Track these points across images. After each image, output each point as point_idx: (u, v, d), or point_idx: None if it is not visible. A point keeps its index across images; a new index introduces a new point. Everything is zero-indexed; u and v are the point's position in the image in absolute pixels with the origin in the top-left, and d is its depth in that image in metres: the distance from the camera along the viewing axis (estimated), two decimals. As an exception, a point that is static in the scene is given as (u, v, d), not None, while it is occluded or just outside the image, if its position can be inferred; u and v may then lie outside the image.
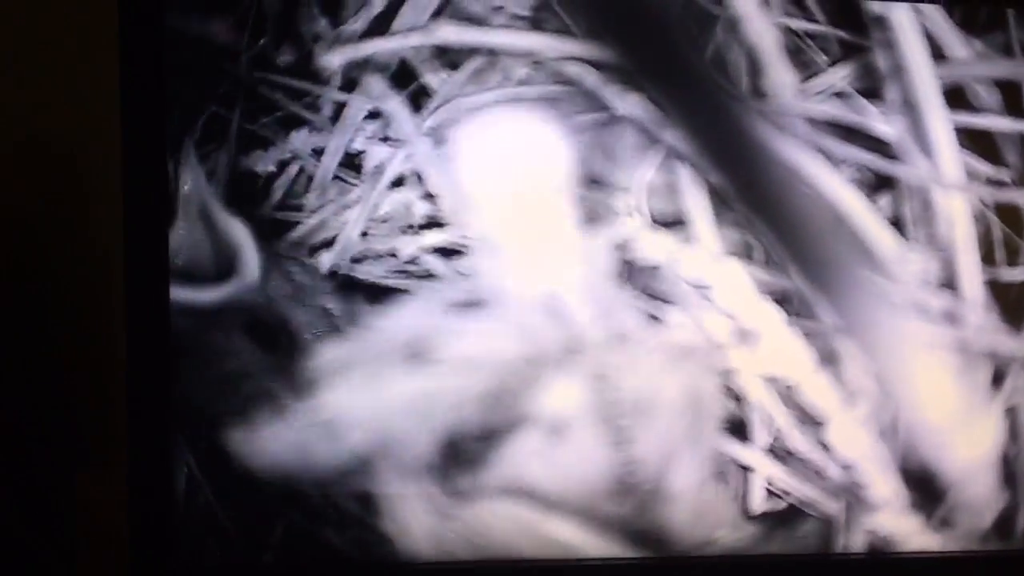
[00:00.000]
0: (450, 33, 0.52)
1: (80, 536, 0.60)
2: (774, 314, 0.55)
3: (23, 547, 0.59)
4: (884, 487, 0.57)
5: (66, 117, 0.59)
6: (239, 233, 0.52)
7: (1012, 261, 0.56)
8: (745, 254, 0.54)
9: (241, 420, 0.53)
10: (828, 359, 0.56)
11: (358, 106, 0.52)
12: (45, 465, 0.60)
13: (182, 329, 0.53)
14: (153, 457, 0.53)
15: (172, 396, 0.53)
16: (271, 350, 0.53)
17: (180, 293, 0.52)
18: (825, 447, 0.56)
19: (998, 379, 0.57)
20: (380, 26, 0.52)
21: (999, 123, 0.56)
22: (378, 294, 0.53)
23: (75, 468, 0.61)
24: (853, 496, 0.57)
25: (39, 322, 0.60)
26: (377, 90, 0.52)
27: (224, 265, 0.53)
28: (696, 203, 0.54)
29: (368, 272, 0.53)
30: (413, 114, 0.52)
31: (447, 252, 0.53)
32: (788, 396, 0.56)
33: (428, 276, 0.53)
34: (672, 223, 0.54)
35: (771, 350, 0.55)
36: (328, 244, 0.53)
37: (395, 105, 0.52)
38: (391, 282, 0.53)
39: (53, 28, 0.59)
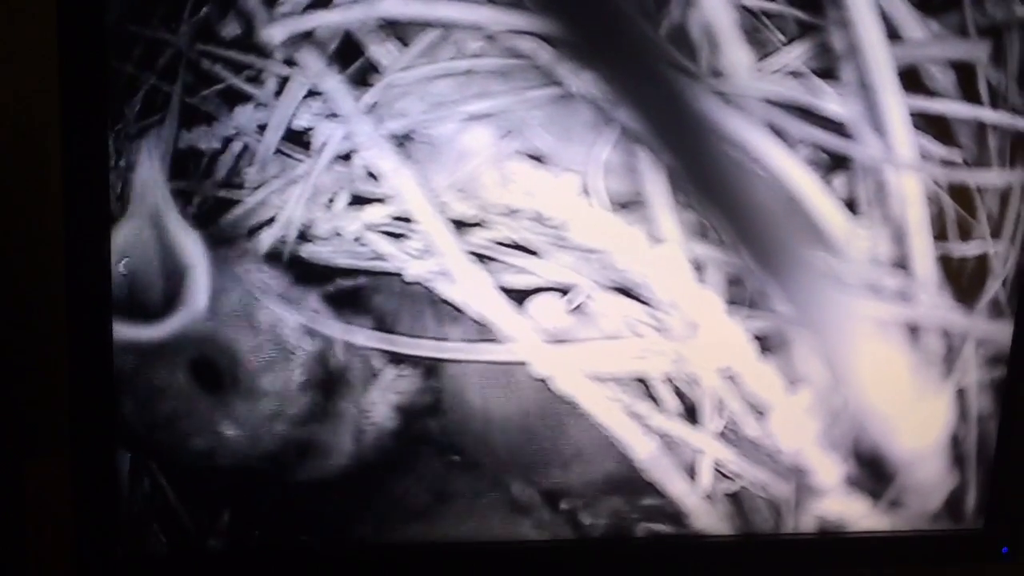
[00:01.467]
0: (394, 5, 0.51)
1: (28, 523, 0.60)
2: (717, 300, 0.55)
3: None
4: (833, 470, 0.58)
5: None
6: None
7: (965, 241, 0.57)
8: (700, 235, 0.54)
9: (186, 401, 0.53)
10: (777, 342, 0.56)
11: (300, 82, 0.51)
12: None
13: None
14: (97, 443, 0.52)
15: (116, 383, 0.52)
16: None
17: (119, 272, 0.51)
18: (775, 431, 0.57)
19: (949, 359, 0.58)
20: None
21: (954, 105, 0.56)
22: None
23: (22, 455, 0.60)
24: (802, 479, 0.57)
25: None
26: (318, 66, 0.51)
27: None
28: (652, 184, 0.53)
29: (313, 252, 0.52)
30: (355, 90, 0.51)
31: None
32: (736, 382, 0.56)
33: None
34: (627, 204, 0.54)
35: (717, 336, 0.55)
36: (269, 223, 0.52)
37: (336, 82, 0.51)
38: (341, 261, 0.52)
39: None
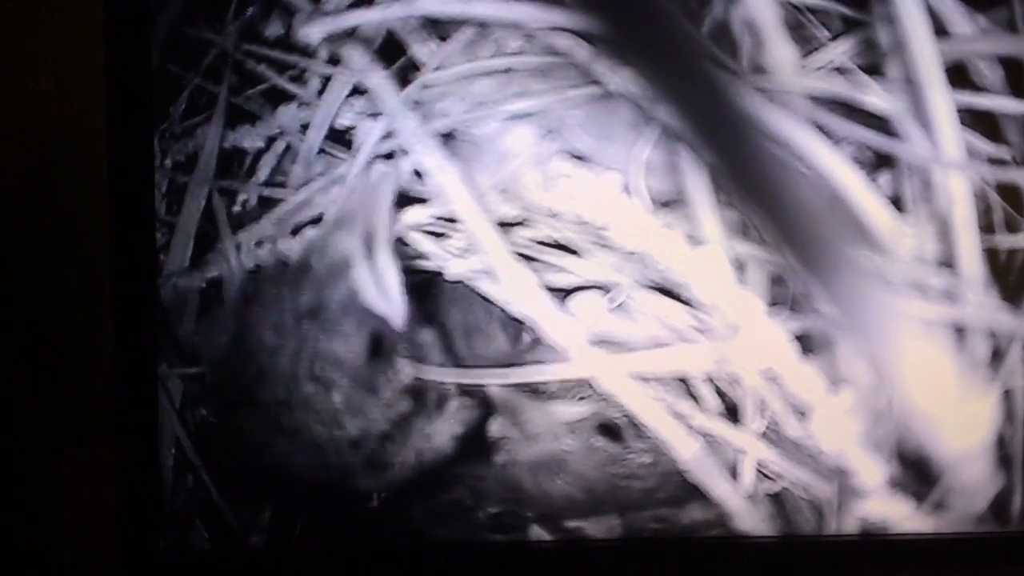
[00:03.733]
0: (433, 4, 0.51)
1: (67, 518, 0.60)
2: (759, 301, 0.54)
3: (10, 530, 0.58)
4: (877, 471, 0.57)
5: (49, 91, 0.58)
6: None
7: (1013, 239, 0.56)
8: (743, 234, 0.54)
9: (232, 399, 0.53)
10: (819, 343, 0.55)
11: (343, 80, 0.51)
12: (32, 447, 0.60)
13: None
14: (140, 438, 0.53)
15: (159, 376, 0.52)
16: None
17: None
18: (816, 431, 0.56)
19: (996, 359, 0.57)
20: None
21: (1002, 101, 0.55)
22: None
23: (63, 449, 0.60)
24: (844, 480, 0.57)
25: (24, 304, 0.60)
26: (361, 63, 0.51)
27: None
28: (694, 183, 0.53)
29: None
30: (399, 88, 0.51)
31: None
32: (777, 382, 0.55)
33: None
34: (669, 203, 0.53)
35: (758, 336, 0.55)
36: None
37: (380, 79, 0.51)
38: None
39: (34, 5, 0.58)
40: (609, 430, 0.55)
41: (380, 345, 0.52)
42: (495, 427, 0.54)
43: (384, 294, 0.52)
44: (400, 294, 0.52)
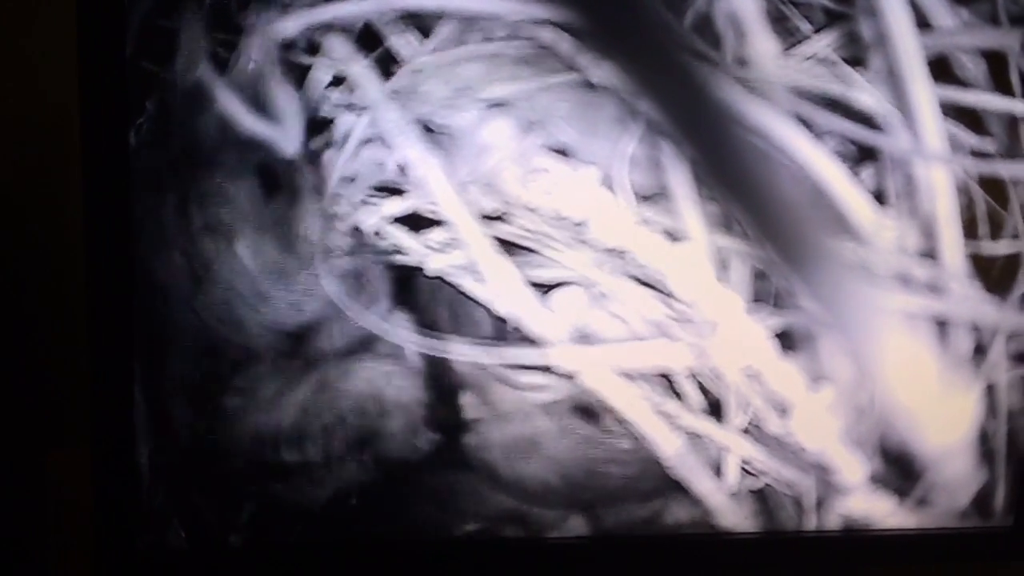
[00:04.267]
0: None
1: (45, 518, 0.60)
2: (739, 298, 0.54)
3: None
4: (859, 467, 0.57)
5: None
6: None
7: (996, 232, 0.56)
8: (725, 228, 0.53)
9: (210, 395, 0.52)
10: (801, 338, 0.55)
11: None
12: (10, 447, 0.60)
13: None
14: (117, 435, 0.52)
15: (137, 371, 0.52)
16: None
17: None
18: (798, 428, 0.56)
19: (979, 353, 0.57)
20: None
21: (985, 95, 0.55)
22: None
23: (40, 449, 0.60)
24: (827, 476, 0.57)
25: (2, 301, 0.59)
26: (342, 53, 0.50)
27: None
28: (677, 177, 0.53)
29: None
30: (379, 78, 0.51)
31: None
32: (758, 379, 0.55)
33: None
34: (651, 197, 0.53)
35: (738, 333, 0.54)
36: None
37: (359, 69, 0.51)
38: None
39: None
40: (586, 411, 0.54)
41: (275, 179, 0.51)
42: (466, 403, 0.54)
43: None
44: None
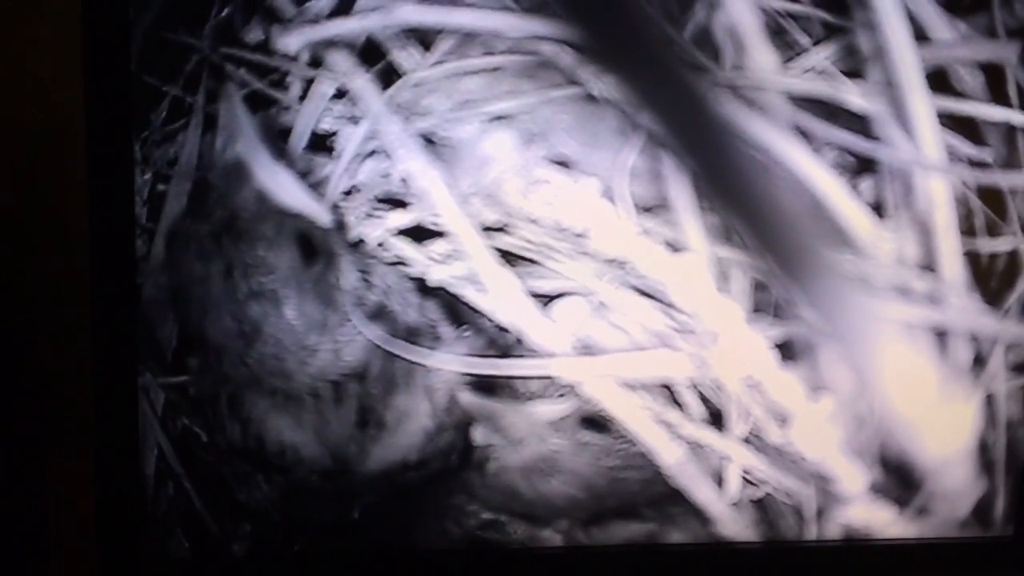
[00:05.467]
0: (411, 13, 0.51)
1: (50, 527, 0.60)
2: (739, 309, 0.54)
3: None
4: (859, 477, 0.57)
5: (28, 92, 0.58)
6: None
7: (994, 243, 0.56)
8: (724, 239, 0.54)
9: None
10: (800, 349, 0.55)
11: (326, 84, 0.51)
12: (15, 455, 0.60)
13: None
14: (122, 445, 0.52)
15: (140, 381, 0.52)
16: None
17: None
18: (798, 438, 0.56)
19: (978, 363, 0.57)
20: (342, 5, 0.50)
21: (982, 107, 0.55)
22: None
23: (45, 458, 0.60)
24: (827, 486, 0.57)
25: (5, 313, 0.59)
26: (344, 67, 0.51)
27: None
28: (677, 189, 0.53)
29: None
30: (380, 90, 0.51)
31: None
32: (758, 389, 0.55)
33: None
34: (652, 208, 0.53)
35: (738, 344, 0.55)
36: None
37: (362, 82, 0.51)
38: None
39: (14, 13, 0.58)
40: (594, 423, 0.55)
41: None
42: (479, 435, 0.54)
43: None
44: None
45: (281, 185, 0.51)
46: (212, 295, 0.51)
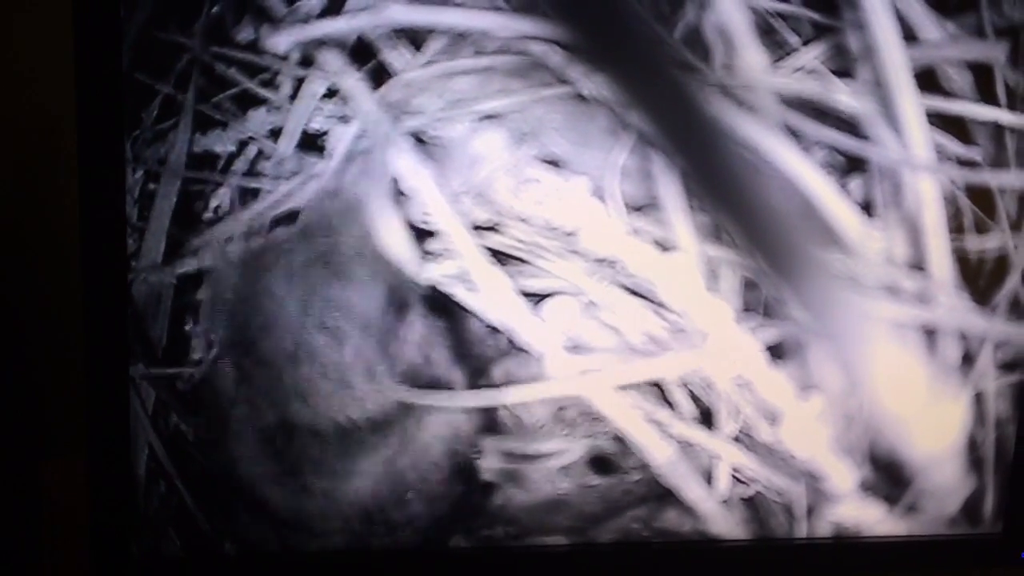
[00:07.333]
0: (400, 12, 0.51)
1: (41, 526, 0.60)
2: (728, 308, 0.55)
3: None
4: (849, 475, 0.57)
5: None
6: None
7: (983, 242, 0.56)
8: (714, 239, 0.54)
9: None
10: (790, 348, 0.55)
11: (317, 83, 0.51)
12: (6, 455, 0.60)
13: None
14: (112, 444, 0.52)
15: (131, 381, 0.52)
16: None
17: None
18: (788, 436, 0.56)
19: (967, 362, 0.57)
20: (333, 5, 0.50)
21: (971, 106, 0.55)
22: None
23: (36, 458, 0.60)
24: (817, 484, 0.57)
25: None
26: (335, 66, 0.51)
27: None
28: (667, 188, 0.53)
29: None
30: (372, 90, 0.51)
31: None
32: (748, 388, 0.56)
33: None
34: (642, 208, 0.54)
35: (728, 343, 0.55)
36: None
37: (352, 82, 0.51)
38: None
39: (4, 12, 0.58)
40: (601, 463, 0.55)
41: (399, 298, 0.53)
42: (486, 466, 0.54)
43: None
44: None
45: (390, 232, 0.51)
46: (281, 314, 0.52)
